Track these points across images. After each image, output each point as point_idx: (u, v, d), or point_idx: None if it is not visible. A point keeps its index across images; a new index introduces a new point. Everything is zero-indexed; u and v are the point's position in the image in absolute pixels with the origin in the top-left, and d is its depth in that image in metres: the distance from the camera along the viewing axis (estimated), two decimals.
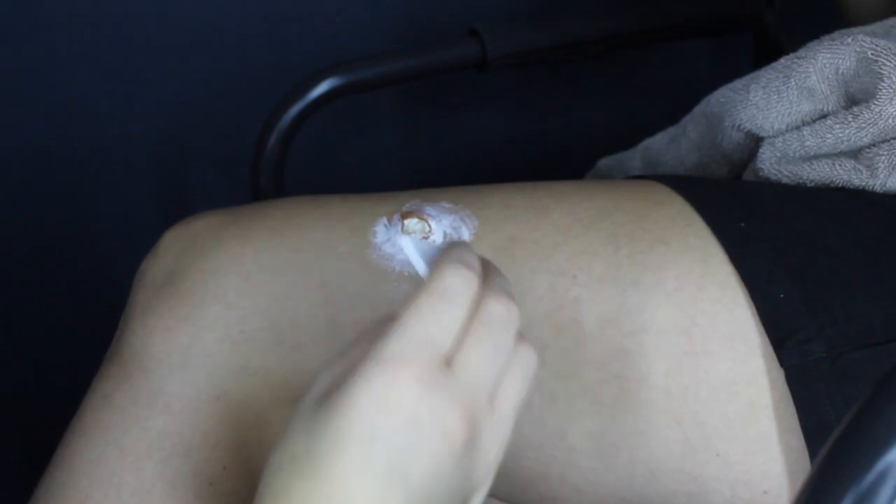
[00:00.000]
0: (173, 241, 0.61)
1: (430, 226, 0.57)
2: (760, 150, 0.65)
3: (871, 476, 0.34)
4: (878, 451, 0.35)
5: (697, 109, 0.72)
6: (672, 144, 0.75)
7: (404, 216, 0.57)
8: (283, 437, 0.42)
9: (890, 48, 0.59)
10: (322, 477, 0.39)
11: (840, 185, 0.61)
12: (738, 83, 0.67)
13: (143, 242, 0.65)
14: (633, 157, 0.79)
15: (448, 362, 0.41)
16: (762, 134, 0.65)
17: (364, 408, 0.39)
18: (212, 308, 0.57)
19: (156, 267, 0.60)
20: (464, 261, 0.43)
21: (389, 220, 0.58)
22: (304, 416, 0.41)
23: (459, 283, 0.42)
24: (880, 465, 0.34)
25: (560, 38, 0.89)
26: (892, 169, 0.59)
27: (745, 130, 0.66)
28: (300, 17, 1.05)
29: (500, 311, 0.43)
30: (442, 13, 1.06)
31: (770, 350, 0.52)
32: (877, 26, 0.64)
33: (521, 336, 0.44)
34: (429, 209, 0.58)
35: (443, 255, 0.44)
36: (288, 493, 0.40)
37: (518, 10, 0.94)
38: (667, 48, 1.10)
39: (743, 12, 0.95)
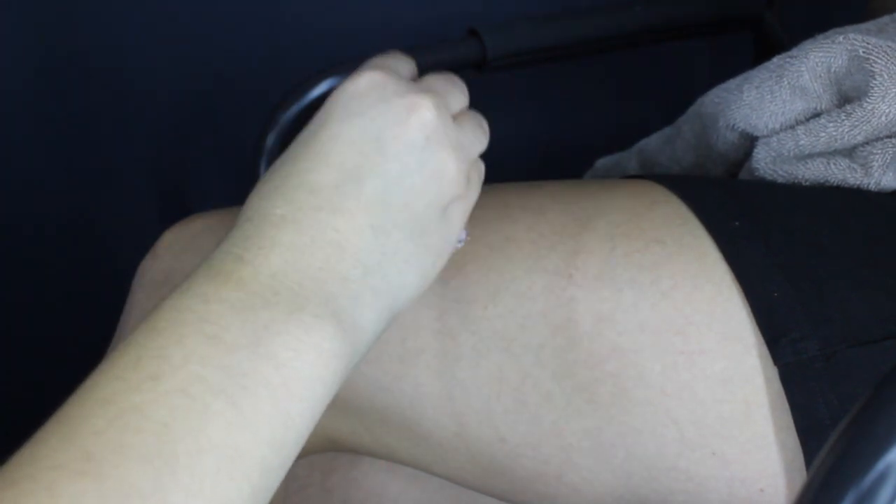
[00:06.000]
0: (172, 242, 0.61)
1: None
2: (755, 150, 0.65)
3: (871, 476, 0.34)
4: (878, 451, 0.34)
5: (692, 110, 0.72)
6: (667, 145, 0.75)
7: None
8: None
9: (881, 46, 0.59)
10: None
11: (835, 184, 0.61)
12: (731, 83, 0.67)
13: (143, 242, 0.65)
14: (630, 158, 0.79)
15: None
16: (756, 133, 0.65)
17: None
18: None
19: (154, 267, 0.61)
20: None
21: None
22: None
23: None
24: (880, 465, 0.34)
25: (560, 38, 0.89)
26: (887, 167, 0.59)
27: (740, 130, 0.66)
28: (300, 17, 1.05)
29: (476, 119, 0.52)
30: (442, 13, 1.06)
31: (765, 348, 0.52)
32: (871, 24, 0.64)
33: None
34: None
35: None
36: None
37: (518, 10, 0.94)
38: (667, 48, 1.10)
39: (743, 12, 0.95)
